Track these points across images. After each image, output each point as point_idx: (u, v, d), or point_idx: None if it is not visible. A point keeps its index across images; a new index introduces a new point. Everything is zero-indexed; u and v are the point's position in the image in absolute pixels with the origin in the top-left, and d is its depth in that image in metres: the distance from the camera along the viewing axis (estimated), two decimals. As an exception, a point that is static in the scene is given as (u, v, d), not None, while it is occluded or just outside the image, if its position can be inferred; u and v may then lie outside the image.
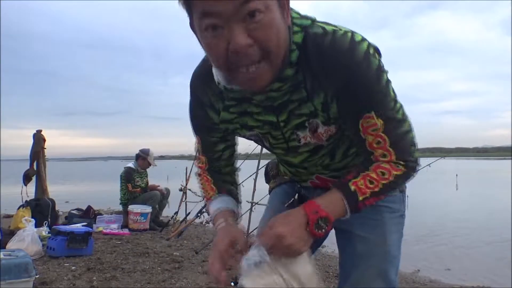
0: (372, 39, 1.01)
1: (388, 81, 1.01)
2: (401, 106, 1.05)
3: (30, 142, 7.17)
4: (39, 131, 7.26)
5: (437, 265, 5.12)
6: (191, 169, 6.62)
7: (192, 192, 6.83)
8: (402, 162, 1.05)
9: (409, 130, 1.06)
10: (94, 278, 3.69)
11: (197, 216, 5.82)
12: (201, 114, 1.18)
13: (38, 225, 5.14)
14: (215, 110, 1.14)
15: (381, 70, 0.99)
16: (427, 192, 12.68)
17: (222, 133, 1.21)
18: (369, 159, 1.07)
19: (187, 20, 0.94)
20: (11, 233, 4.80)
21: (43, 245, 4.50)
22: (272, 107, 1.06)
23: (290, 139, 1.13)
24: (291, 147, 1.15)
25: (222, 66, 0.92)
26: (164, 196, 6.83)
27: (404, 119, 1.05)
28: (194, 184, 7.62)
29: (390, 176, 1.05)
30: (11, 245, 4.17)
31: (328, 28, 0.98)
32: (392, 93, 1.02)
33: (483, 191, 15.41)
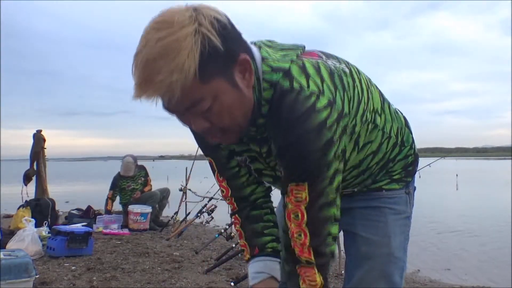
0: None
1: (335, 155, 0.98)
2: (337, 186, 1.01)
3: (30, 142, 7.19)
4: (39, 131, 7.27)
5: (437, 265, 5.12)
6: (191, 169, 6.62)
7: (192, 192, 6.83)
8: (314, 262, 1.03)
9: (332, 221, 1.02)
10: (94, 278, 3.69)
11: (197, 216, 5.82)
12: (201, 136, 1.17)
13: (38, 225, 5.13)
14: None
15: (331, 144, 0.96)
16: (427, 192, 12.68)
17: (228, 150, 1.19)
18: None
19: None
20: (11, 233, 4.80)
21: (43, 245, 4.49)
22: (256, 139, 1.08)
23: (276, 168, 1.13)
24: (278, 176, 1.15)
25: None
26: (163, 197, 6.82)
27: (331, 205, 1.01)
28: (194, 184, 7.62)
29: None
30: (11, 245, 4.17)
31: (297, 83, 0.96)
32: (332, 169, 0.99)
33: (483, 191, 15.41)
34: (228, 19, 0.93)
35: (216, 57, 0.87)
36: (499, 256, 5.60)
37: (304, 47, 1.06)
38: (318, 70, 1.00)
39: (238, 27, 0.96)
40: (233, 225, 1.33)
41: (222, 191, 1.27)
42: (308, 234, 1.01)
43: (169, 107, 0.91)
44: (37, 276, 3.12)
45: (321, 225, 1.02)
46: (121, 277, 3.74)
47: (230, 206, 1.29)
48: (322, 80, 0.98)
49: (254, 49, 1.00)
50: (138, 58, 0.87)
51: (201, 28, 0.86)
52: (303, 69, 0.99)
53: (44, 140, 7.26)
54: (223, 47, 0.88)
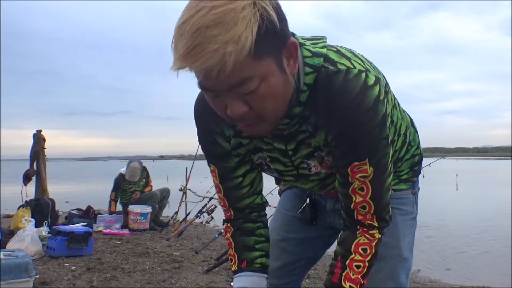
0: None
1: (389, 130, 0.99)
2: (391, 161, 1.03)
3: (30, 142, 7.18)
4: (39, 131, 7.26)
5: (437, 265, 5.12)
6: (191, 169, 6.62)
7: (192, 192, 6.83)
8: (376, 225, 1.06)
9: (390, 189, 1.05)
10: (94, 278, 3.69)
11: (197, 216, 5.82)
12: (211, 141, 1.12)
13: (38, 225, 5.13)
14: (226, 137, 1.10)
15: (386, 118, 0.96)
16: (427, 192, 12.67)
17: (239, 157, 1.13)
18: (348, 232, 1.08)
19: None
20: (11, 233, 4.80)
21: (43, 245, 4.50)
22: (282, 135, 1.04)
23: (300, 167, 1.11)
24: (301, 174, 1.13)
25: (223, 118, 0.93)
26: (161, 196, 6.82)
27: (390, 175, 1.04)
28: (194, 184, 7.60)
29: (372, 249, 1.06)
30: (11, 245, 4.17)
31: (341, 64, 0.94)
32: (389, 146, 1.00)
33: (483, 191, 15.42)
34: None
35: (272, 35, 0.82)
36: (500, 256, 5.60)
37: (326, 38, 1.04)
38: (353, 53, 0.99)
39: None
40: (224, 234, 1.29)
41: (220, 202, 1.24)
42: (373, 206, 1.03)
43: (211, 84, 0.83)
44: (37, 276, 3.13)
45: (384, 197, 1.04)
46: (121, 277, 3.74)
47: (226, 213, 1.24)
48: (362, 61, 0.98)
49: None
50: (186, 26, 0.77)
51: (260, 2, 0.80)
52: (340, 53, 0.97)
53: (44, 140, 7.26)
54: (279, 25, 0.83)
